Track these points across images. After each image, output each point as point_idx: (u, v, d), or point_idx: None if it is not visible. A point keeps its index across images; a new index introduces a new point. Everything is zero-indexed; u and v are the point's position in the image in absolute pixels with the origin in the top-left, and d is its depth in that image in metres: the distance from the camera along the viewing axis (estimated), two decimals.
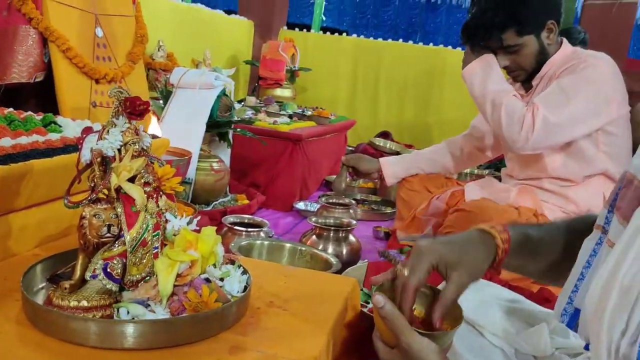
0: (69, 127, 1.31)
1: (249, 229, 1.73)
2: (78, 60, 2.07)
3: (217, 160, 2.17)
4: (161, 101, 2.49)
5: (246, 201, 2.27)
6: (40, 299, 0.86)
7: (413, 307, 0.84)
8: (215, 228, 0.92)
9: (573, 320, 0.75)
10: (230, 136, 2.26)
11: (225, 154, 2.29)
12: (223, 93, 2.10)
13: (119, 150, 0.87)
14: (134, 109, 0.89)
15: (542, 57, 1.74)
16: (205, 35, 4.01)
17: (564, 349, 0.94)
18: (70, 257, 0.93)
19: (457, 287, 0.80)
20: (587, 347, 0.75)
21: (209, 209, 2.09)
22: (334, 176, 3.27)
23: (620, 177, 0.72)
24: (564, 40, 1.78)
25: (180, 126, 1.91)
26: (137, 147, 0.89)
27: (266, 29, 4.92)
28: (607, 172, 1.69)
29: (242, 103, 3.34)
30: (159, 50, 3.24)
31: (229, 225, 1.73)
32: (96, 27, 2.29)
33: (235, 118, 2.25)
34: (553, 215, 1.65)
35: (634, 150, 0.82)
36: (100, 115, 2.14)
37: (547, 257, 0.90)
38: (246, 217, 1.84)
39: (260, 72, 4.27)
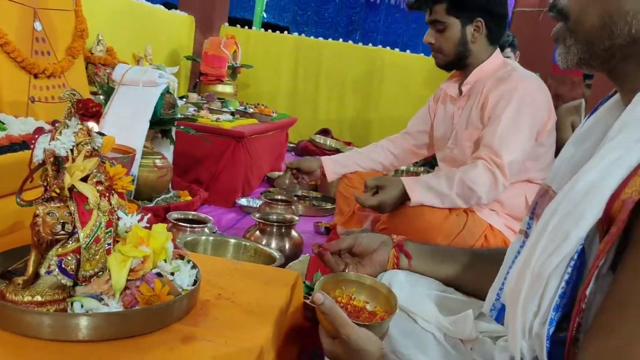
0: (13, 125, 1.31)
1: (194, 225, 1.77)
2: (16, 54, 2.04)
3: (159, 157, 2.18)
4: (101, 96, 2.47)
5: (189, 198, 2.30)
6: None
7: (353, 296, 0.92)
8: (166, 225, 0.97)
9: (500, 315, 0.83)
10: (173, 133, 2.27)
11: (167, 150, 2.30)
12: (167, 90, 2.11)
13: (71, 150, 0.90)
14: (87, 111, 0.93)
15: (463, 49, 1.82)
16: (146, 29, 3.97)
17: (487, 332, 1.04)
18: (18, 254, 0.96)
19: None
20: None
21: (151, 205, 2.10)
22: (276, 173, 3.33)
23: (540, 187, 0.82)
24: (498, 51, 1.89)
25: (123, 123, 1.92)
26: (89, 147, 0.92)
27: (207, 25, 4.90)
28: (530, 179, 1.82)
29: (184, 99, 3.34)
30: (98, 44, 3.20)
31: (174, 222, 1.76)
32: (35, 21, 2.25)
33: (179, 115, 2.27)
34: (481, 213, 1.77)
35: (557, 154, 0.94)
36: (39, 111, 2.11)
37: (457, 261, 1.08)
38: (190, 214, 1.88)
39: (202, 68, 4.27)
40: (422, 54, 4.77)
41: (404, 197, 1.71)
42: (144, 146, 2.07)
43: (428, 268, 1.10)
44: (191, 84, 4.67)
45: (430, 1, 1.80)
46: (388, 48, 4.99)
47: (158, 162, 2.15)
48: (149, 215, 1.02)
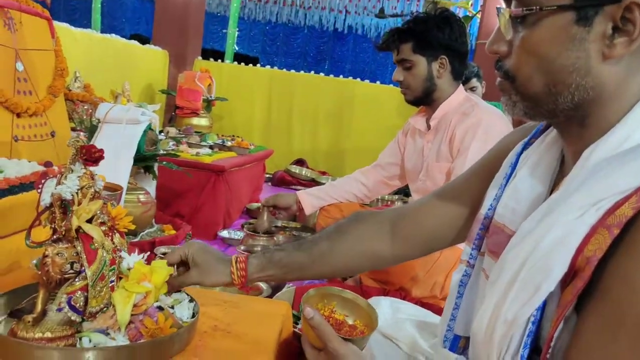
0: (8, 167, 1.36)
1: None
2: (0, 95, 2.08)
3: (143, 192, 2.23)
4: (82, 133, 2.51)
5: (173, 231, 2.34)
6: None
7: (334, 309, 1.00)
8: (166, 261, 1.03)
9: (454, 345, 0.89)
10: (155, 168, 2.33)
11: (150, 185, 2.35)
12: (149, 128, 2.17)
13: (77, 193, 0.96)
14: (90, 156, 0.99)
15: (429, 85, 1.95)
16: (121, 65, 4.03)
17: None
18: (23, 293, 1.01)
19: (185, 279, 1.10)
20: None
21: (137, 239, 2.14)
22: (255, 204, 3.39)
23: (478, 217, 0.87)
24: (461, 87, 2.02)
25: (108, 160, 1.95)
26: (93, 190, 0.98)
27: (181, 59, 4.98)
28: None
29: (163, 133, 3.40)
30: (75, 81, 3.25)
31: (161, 256, 1.81)
32: (17, 62, 2.29)
33: (161, 151, 2.32)
34: None
35: None
36: (22, 149, 2.15)
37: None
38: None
39: (177, 102, 4.34)
40: (391, 85, 4.92)
41: None
42: (128, 182, 2.12)
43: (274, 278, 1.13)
44: (167, 117, 4.72)
45: (397, 42, 1.92)
46: (358, 79, 5.13)
47: (142, 197, 2.20)
48: (149, 252, 1.08)
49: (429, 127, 2.02)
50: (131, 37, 7.28)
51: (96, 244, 0.95)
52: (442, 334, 0.91)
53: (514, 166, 0.84)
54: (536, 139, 0.84)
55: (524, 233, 0.67)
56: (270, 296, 1.63)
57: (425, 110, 2.07)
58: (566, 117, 0.71)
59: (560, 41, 0.66)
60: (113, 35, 4.15)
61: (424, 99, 1.98)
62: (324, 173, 4.83)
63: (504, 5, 0.72)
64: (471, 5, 6.14)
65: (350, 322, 0.97)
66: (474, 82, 3.80)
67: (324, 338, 0.84)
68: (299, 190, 2.28)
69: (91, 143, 2.17)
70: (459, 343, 0.89)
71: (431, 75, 1.93)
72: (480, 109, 1.89)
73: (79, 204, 0.95)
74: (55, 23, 2.66)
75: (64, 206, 0.95)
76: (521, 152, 0.85)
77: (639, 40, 0.63)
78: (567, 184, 0.67)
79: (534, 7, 0.66)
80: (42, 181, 0.97)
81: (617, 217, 0.58)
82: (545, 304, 0.64)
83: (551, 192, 0.77)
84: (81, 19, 11.53)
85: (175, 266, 1.12)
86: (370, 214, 1.13)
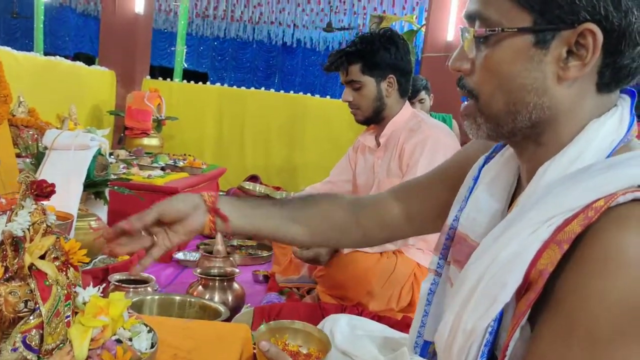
0: None
1: (136, 286, 1.80)
2: None
3: (95, 218, 2.19)
4: (28, 159, 2.45)
5: (126, 257, 2.30)
6: None
7: (287, 342, 1.02)
8: (123, 293, 1.03)
9: (424, 350, 0.93)
10: (106, 193, 2.29)
11: (102, 211, 2.31)
12: (99, 153, 2.14)
13: (28, 229, 0.95)
14: (41, 191, 0.98)
15: (379, 104, 2.00)
16: (67, 87, 3.95)
17: None
18: None
19: (156, 211, 1.01)
20: None
21: (89, 267, 2.10)
22: None
23: (444, 227, 0.91)
24: (407, 103, 2.08)
25: (57, 188, 1.93)
26: (45, 225, 0.98)
27: (128, 79, 4.92)
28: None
29: (113, 156, 3.34)
30: (19, 105, 3.16)
31: (116, 284, 1.79)
32: None
33: (111, 176, 2.29)
34: (408, 253, 1.91)
35: None
36: None
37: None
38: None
39: (127, 123, 4.28)
40: (341, 99, 4.98)
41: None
42: (79, 209, 2.08)
43: (247, 222, 1.04)
44: (116, 138, 4.64)
45: (345, 63, 1.97)
46: (309, 94, 5.18)
47: (93, 223, 2.16)
48: (104, 285, 1.08)
49: (378, 144, 2.07)
50: (75, 56, 7.14)
51: (50, 280, 0.94)
52: (413, 340, 0.94)
53: (475, 179, 0.89)
54: (497, 154, 0.89)
55: (484, 248, 0.71)
56: (229, 319, 1.64)
57: (374, 128, 2.12)
58: (523, 136, 0.75)
59: (520, 61, 0.71)
60: (57, 57, 4.06)
61: (374, 118, 2.03)
62: (278, 188, 4.83)
63: (467, 24, 0.76)
64: (416, 18, 6.31)
65: (304, 351, 1.00)
66: (423, 94, 3.90)
67: None
68: None
69: (38, 170, 2.13)
70: (429, 348, 0.92)
71: (380, 95, 1.98)
72: (427, 125, 1.96)
73: (31, 240, 0.94)
74: None
75: (16, 243, 0.94)
76: (482, 166, 0.89)
77: (591, 64, 0.68)
78: (522, 201, 0.72)
79: (496, 28, 0.71)
80: None
81: (567, 233, 0.62)
82: (502, 314, 0.68)
83: (509, 206, 0.81)
84: (22, 38, 11.22)
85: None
86: (336, 196, 1.16)
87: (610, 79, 0.71)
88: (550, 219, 0.64)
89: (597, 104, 0.72)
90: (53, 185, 1.00)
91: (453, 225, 0.89)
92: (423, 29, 5.18)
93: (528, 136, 0.75)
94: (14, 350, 0.89)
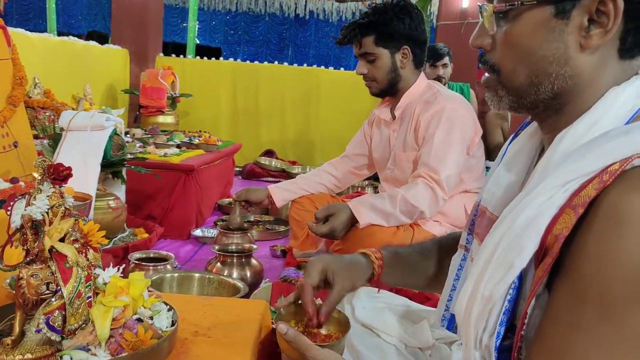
0: None
1: (156, 263, 1.83)
2: None
3: (113, 197, 2.22)
4: (46, 140, 2.48)
5: (145, 235, 2.34)
6: None
7: (306, 324, 1.03)
8: (143, 272, 1.04)
9: (451, 324, 0.95)
10: (123, 173, 2.31)
11: (120, 190, 2.34)
12: (115, 133, 2.16)
13: (47, 213, 0.97)
14: (58, 175, 0.99)
15: (394, 76, 1.97)
16: (81, 67, 3.96)
17: (442, 339, 1.16)
18: None
19: (339, 290, 1.04)
20: None
21: (109, 246, 2.13)
22: (226, 200, 3.40)
23: (474, 204, 0.93)
24: (422, 74, 2.05)
25: (74, 169, 1.94)
26: (63, 208, 0.99)
27: (142, 57, 4.92)
28: (467, 189, 1.99)
29: (129, 135, 3.36)
30: (35, 87, 3.18)
31: (136, 262, 1.81)
32: None
33: (128, 155, 2.31)
34: (425, 225, 1.91)
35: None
36: None
37: (422, 271, 1.15)
38: (151, 252, 1.92)
39: (141, 101, 4.29)
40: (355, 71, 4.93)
41: (353, 220, 1.82)
42: (97, 189, 2.11)
43: (396, 278, 1.18)
44: (131, 117, 4.66)
45: (358, 36, 1.94)
46: (323, 67, 5.14)
47: (112, 203, 2.19)
48: (124, 265, 1.09)
49: (393, 116, 2.05)
50: (88, 35, 7.14)
51: (70, 262, 0.96)
52: (441, 313, 0.96)
53: (502, 156, 0.90)
54: (522, 131, 0.89)
55: (502, 218, 0.71)
56: (247, 295, 1.65)
57: (389, 100, 2.10)
58: (545, 107, 0.76)
59: (540, 33, 0.71)
60: (71, 37, 4.07)
61: (389, 90, 2.01)
62: (293, 163, 4.84)
63: (486, 1, 0.76)
64: None
65: (324, 332, 1.01)
66: (446, 59, 3.90)
67: (302, 349, 0.87)
68: (269, 182, 2.30)
69: (56, 152, 2.15)
70: (456, 322, 0.93)
71: (395, 66, 1.96)
72: (443, 97, 1.93)
73: (50, 223, 0.96)
74: (10, 29, 2.60)
75: (35, 227, 0.95)
76: (510, 143, 0.90)
77: (613, 31, 0.68)
78: (539, 169, 0.72)
79: (516, 3, 0.71)
80: (11, 203, 0.98)
81: (582, 197, 0.62)
82: (521, 283, 0.68)
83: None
84: (35, 19, 11.24)
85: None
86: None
87: (633, 44, 0.70)
88: (566, 184, 0.64)
89: (619, 71, 0.72)
90: (69, 168, 1.01)
91: (479, 201, 0.90)
92: None
93: (550, 107, 0.75)
94: (38, 331, 0.91)
